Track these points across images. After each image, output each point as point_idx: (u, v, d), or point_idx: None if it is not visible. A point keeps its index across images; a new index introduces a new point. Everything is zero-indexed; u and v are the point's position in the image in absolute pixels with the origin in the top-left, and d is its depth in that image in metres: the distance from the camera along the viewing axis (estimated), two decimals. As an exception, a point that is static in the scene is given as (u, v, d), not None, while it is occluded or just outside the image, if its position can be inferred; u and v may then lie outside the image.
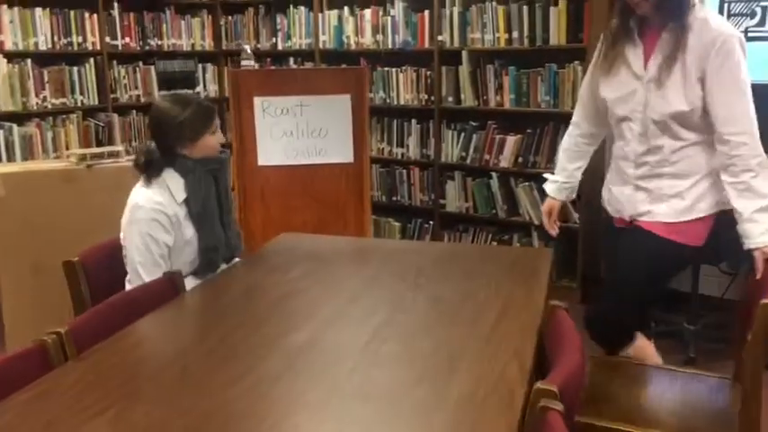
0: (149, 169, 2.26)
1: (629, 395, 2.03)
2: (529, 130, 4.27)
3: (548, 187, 2.61)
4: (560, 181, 2.58)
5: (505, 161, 4.36)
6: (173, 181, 2.26)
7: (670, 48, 2.12)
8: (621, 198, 2.33)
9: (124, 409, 1.36)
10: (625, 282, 2.26)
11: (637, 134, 2.24)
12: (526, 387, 1.46)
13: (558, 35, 4.05)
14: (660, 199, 2.23)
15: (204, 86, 5.56)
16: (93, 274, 2.21)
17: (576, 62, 4.01)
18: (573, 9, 3.98)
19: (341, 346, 1.70)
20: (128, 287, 2.27)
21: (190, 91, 5.39)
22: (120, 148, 3.50)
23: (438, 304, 1.97)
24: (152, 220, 2.19)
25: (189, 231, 2.27)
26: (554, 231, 2.60)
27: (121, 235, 2.26)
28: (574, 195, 2.65)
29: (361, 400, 1.43)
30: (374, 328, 1.79)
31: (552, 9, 4.03)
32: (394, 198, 4.88)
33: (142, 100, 5.12)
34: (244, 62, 3.84)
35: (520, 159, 4.31)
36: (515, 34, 4.19)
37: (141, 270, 2.18)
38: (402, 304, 1.96)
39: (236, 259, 2.47)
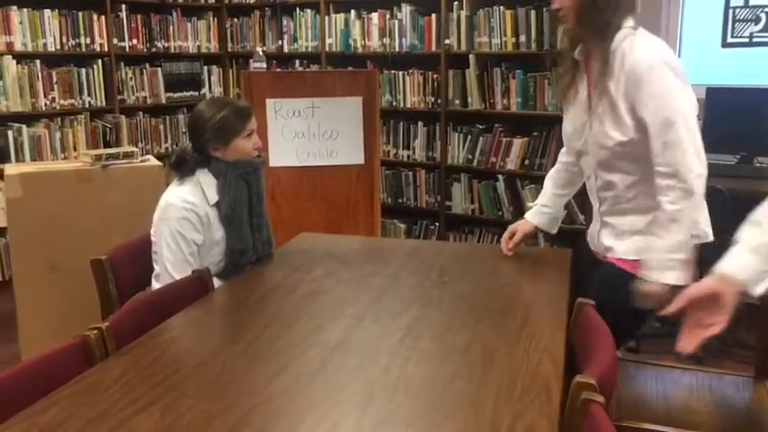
0: (181, 168, 2.28)
1: (656, 395, 2.06)
2: (535, 134, 4.31)
3: (527, 213, 2.46)
4: (540, 204, 2.40)
5: (512, 164, 4.40)
6: (207, 182, 2.28)
7: (597, 76, 1.98)
8: (593, 233, 2.22)
9: (170, 403, 1.39)
10: (602, 314, 1.91)
11: (593, 169, 2.12)
12: (562, 382, 1.49)
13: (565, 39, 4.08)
14: (622, 235, 2.08)
15: (210, 88, 5.58)
16: (119, 272, 2.23)
17: (584, 66, 4.05)
18: (580, 13, 4.02)
19: (374, 342, 1.73)
20: (154, 284, 2.29)
21: (196, 93, 5.42)
22: (134, 149, 3.52)
23: (465, 301, 2.00)
24: (183, 218, 2.21)
25: (219, 233, 2.29)
26: (508, 252, 2.39)
27: (152, 231, 2.28)
28: (554, 230, 2.43)
29: (401, 395, 1.45)
30: (406, 325, 1.82)
31: (560, 13, 4.07)
32: (400, 200, 4.91)
33: (149, 101, 5.14)
34: (255, 64, 3.87)
35: (526, 162, 4.35)
36: (523, 38, 4.23)
37: (170, 267, 2.21)
38: (430, 302, 1.99)
39: None
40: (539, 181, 4.33)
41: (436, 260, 2.38)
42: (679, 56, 4.19)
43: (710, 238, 2.01)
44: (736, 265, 1.42)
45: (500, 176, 4.46)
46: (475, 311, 1.92)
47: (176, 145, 5.33)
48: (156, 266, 2.28)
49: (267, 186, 3.74)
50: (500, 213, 4.51)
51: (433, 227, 4.81)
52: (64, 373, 1.50)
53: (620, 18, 1.96)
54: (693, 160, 1.88)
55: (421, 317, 1.88)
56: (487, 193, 4.54)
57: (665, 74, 1.88)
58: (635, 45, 1.93)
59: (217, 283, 2.25)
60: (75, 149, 4.62)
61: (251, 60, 3.96)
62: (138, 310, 1.84)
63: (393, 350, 1.67)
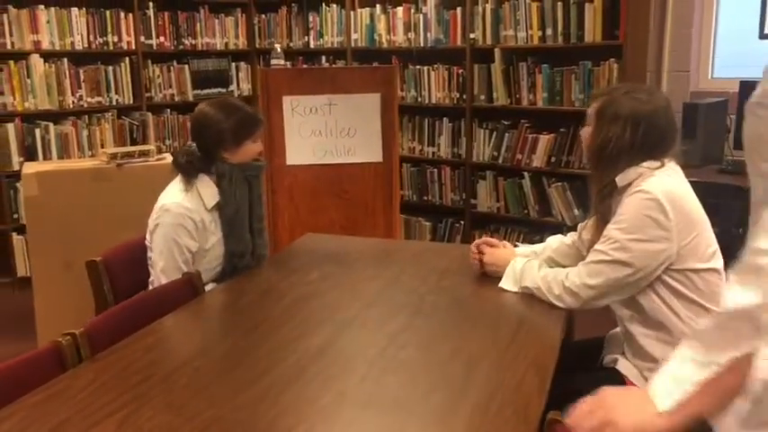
0: (188, 170, 2.26)
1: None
2: (562, 130, 4.18)
3: (521, 248, 2.26)
4: (532, 250, 2.23)
5: (538, 160, 4.28)
6: (205, 187, 2.25)
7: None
8: None
9: (132, 414, 1.35)
10: None
11: None
12: (546, 396, 1.41)
13: (593, 32, 3.95)
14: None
15: (237, 85, 5.58)
16: (116, 274, 2.22)
17: (612, 59, 3.91)
18: (609, 5, 3.88)
19: (356, 351, 1.67)
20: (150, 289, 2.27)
21: (223, 90, 5.43)
22: (150, 147, 3.52)
23: (459, 308, 1.92)
24: (178, 224, 2.18)
25: (213, 238, 2.26)
26: (476, 264, 2.18)
27: (147, 236, 2.26)
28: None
29: (371, 409, 1.39)
30: (391, 333, 1.75)
31: (587, 5, 3.94)
32: (425, 197, 4.83)
33: (176, 99, 5.16)
34: (273, 61, 3.84)
35: (553, 159, 4.22)
36: (549, 31, 4.10)
37: (161, 275, 2.18)
38: (422, 308, 1.92)
39: None
40: (565, 179, 4.23)
41: (439, 263, 2.31)
42: (714, 49, 4.02)
43: None
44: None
45: (526, 174, 4.34)
46: (467, 319, 1.85)
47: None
48: (151, 272, 2.26)
49: (284, 185, 3.76)
50: (525, 212, 4.40)
51: (458, 225, 4.72)
52: (34, 380, 1.48)
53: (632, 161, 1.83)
54: None
55: (410, 324, 1.81)
56: (513, 190, 4.43)
57: (650, 210, 1.75)
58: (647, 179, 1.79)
59: (210, 286, 2.22)
60: (102, 147, 4.67)
61: (269, 57, 3.93)
62: (121, 314, 1.82)
63: (373, 360, 1.60)
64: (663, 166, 1.83)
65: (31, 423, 1.33)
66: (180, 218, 2.19)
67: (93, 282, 2.18)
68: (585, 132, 1.94)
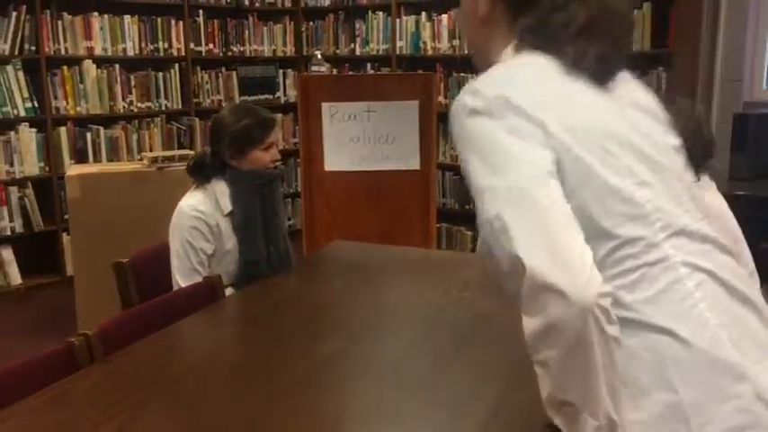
0: (197, 174, 2.28)
1: None
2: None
3: None
4: None
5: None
6: (221, 190, 2.27)
7: None
8: None
9: (132, 418, 1.36)
10: None
11: None
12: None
13: (641, 39, 3.85)
14: None
15: (284, 91, 5.64)
16: (142, 275, 2.25)
17: (661, 68, 3.80)
18: (658, 11, 3.77)
19: (366, 362, 1.64)
20: None
21: (270, 96, 5.49)
22: (190, 151, 3.58)
23: (479, 321, 1.87)
24: (192, 227, 2.21)
25: (230, 243, 2.27)
26: None
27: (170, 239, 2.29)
28: None
29: (372, 422, 1.36)
30: (404, 346, 1.72)
31: (636, 12, 3.83)
32: (466, 206, 4.77)
33: (224, 104, 5.24)
34: (314, 68, 3.85)
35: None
36: (596, 39, 3.99)
37: (178, 276, 2.21)
38: (441, 320, 1.88)
39: None
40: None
41: (465, 272, 2.26)
42: (770, 56, 3.85)
43: None
44: None
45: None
46: (486, 334, 1.79)
47: (250, 147, 5.41)
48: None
49: (322, 191, 3.76)
50: (569, 223, 4.29)
51: (500, 235, 4.64)
52: (46, 378, 1.50)
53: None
54: None
55: (425, 337, 1.77)
56: (556, 201, 4.33)
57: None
58: None
59: (229, 291, 2.22)
60: (151, 151, 4.78)
61: (311, 64, 3.95)
62: (137, 316, 1.83)
63: (381, 372, 1.57)
64: (698, 180, 1.75)
65: (35, 423, 1.34)
66: (193, 221, 2.21)
67: (120, 283, 2.21)
68: None
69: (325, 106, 3.65)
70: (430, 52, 4.81)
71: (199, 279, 2.18)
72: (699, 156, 1.78)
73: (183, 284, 2.18)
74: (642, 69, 3.88)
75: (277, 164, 2.35)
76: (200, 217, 2.22)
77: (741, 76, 3.82)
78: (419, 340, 1.75)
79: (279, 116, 5.56)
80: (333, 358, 1.65)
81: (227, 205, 2.26)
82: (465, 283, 2.17)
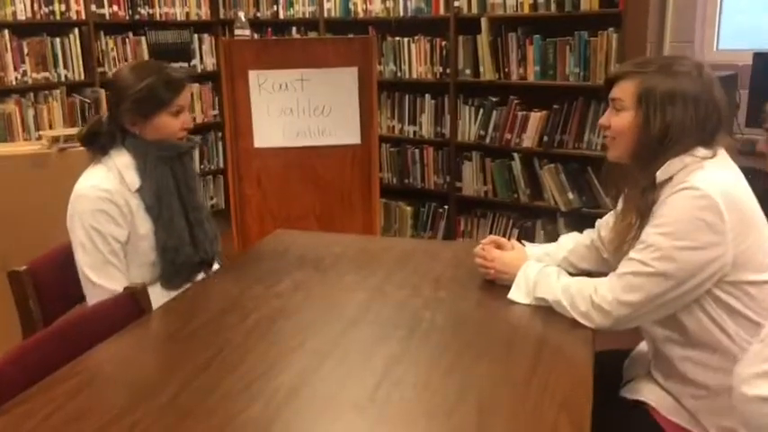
0: (92, 145, 1.91)
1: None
2: (555, 106, 3.85)
3: (531, 248, 1.90)
4: (544, 251, 1.88)
5: (528, 140, 3.95)
6: (124, 163, 1.89)
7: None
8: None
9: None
10: None
11: None
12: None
13: (590, -1, 3.61)
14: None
15: (201, 59, 5.15)
16: (45, 285, 1.84)
17: (611, 29, 3.58)
18: (607, -30, 3.54)
19: (338, 391, 1.32)
20: (89, 299, 1.89)
21: (185, 64, 4.99)
22: (98, 128, 3.11)
23: (462, 328, 1.58)
24: (97, 210, 1.82)
25: (145, 225, 1.91)
26: (486, 273, 1.82)
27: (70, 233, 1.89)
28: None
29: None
30: (382, 366, 1.41)
31: (584, -30, 3.59)
32: (406, 180, 4.48)
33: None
34: (238, 31, 3.44)
35: (545, 138, 3.89)
36: (541, -2, 3.75)
37: (89, 272, 1.83)
38: (418, 329, 1.57)
39: (216, 266, 2.10)
40: (559, 160, 3.90)
41: (433, 266, 1.96)
42: (719, 19, 3.69)
43: None
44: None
45: (515, 155, 4.01)
46: (474, 343, 1.50)
47: (165, 121, 4.92)
48: (80, 275, 1.89)
49: (252, 171, 3.38)
50: (515, 196, 4.07)
51: (441, 210, 4.38)
52: None
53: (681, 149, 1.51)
54: None
55: (403, 352, 1.47)
56: (502, 173, 4.09)
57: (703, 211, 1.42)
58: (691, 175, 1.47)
59: (160, 294, 1.86)
60: (51, 128, 4.24)
61: (235, 27, 3.52)
62: (42, 345, 1.45)
63: (360, 403, 1.26)
64: (715, 155, 1.50)
65: None
66: (98, 202, 1.83)
67: (17, 297, 1.80)
68: (623, 120, 1.57)
69: (252, 74, 3.25)
70: (361, 15, 4.44)
71: (116, 273, 1.83)
72: (713, 126, 1.53)
73: (97, 281, 1.82)
74: (591, 31, 3.65)
75: (187, 133, 1.98)
76: (105, 197, 1.83)
77: (692, 38, 3.65)
78: (397, 356, 1.45)
79: (196, 86, 5.09)
80: (295, 389, 1.32)
81: (134, 180, 1.89)
82: (436, 278, 1.88)
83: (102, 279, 1.83)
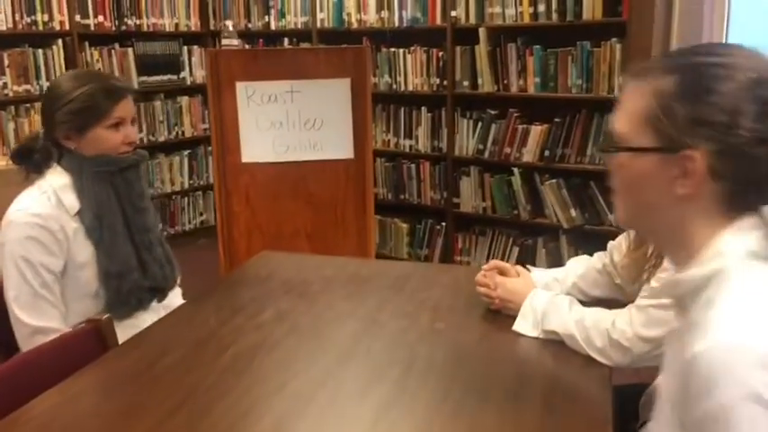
0: (25, 162, 1.73)
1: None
2: (557, 119, 3.70)
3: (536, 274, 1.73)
4: (554, 277, 1.71)
5: (529, 154, 3.79)
6: (61, 183, 1.71)
7: None
8: None
9: None
10: None
11: None
12: None
13: (592, 8, 3.47)
14: None
15: (190, 71, 5.00)
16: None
17: (614, 39, 3.44)
18: (611, -23, 3.40)
19: (323, 445, 1.15)
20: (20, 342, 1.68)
21: (174, 77, 4.85)
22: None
23: (463, 367, 1.41)
24: (26, 238, 1.64)
25: (85, 251, 1.72)
26: (490, 302, 1.65)
27: None
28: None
29: None
30: (373, 412, 1.24)
31: (586, -23, 3.45)
32: (401, 196, 4.32)
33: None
34: (225, 41, 3.30)
35: (546, 153, 3.73)
36: (542, 7, 3.61)
37: (17, 308, 1.64)
38: (414, 367, 1.40)
39: (178, 300, 1.92)
40: (560, 175, 3.75)
41: (430, 293, 1.80)
42: (727, 27, 3.55)
43: None
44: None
45: (515, 169, 3.85)
46: (478, 383, 1.33)
47: (152, 136, 4.77)
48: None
49: (239, 187, 3.22)
50: (515, 212, 3.91)
51: (438, 227, 4.22)
52: None
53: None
54: None
55: (399, 394, 1.30)
56: (501, 188, 3.94)
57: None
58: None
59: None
60: (32, 142, 4.07)
61: (222, 37, 3.37)
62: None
63: (348, 465, 1.09)
64: None
65: None
66: (27, 229, 1.64)
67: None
68: None
69: (240, 86, 3.10)
70: (355, 25, 4.30)
71: (48, 308, 1.65)
72: None
73: (25, 319, 1.63)
74: (593, 41, 3.51)
75: (133, 148, 1.78)
76: (35, 222, 1.64)
77: (699, 48, 3.52)
78: (392, 400, 1.28)
79: (185, 99, 4.94)
80: (275, 443, 1.15)
81: (72, 202, 1.71)
82: (433, 307, 1.71)
83: (30, 316, 1.64)
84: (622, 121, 0.95)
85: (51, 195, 1.69)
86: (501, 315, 1.63)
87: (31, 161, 1.73)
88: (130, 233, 1.77)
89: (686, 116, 0.89)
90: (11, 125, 4.06)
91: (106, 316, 1.55)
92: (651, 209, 0.94)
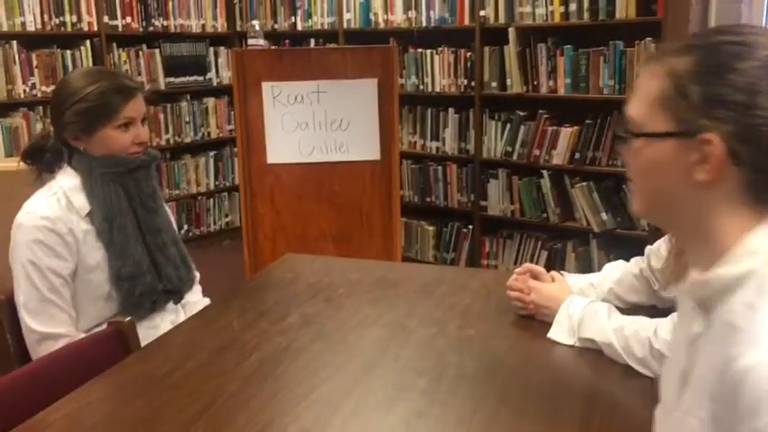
0: (37, 162, 1.70)
1: None
2: (588, 121, 3.61)
3: (571, 279, 1.66)
4: (589, 282, 1.64)
5: (559, 157, 3.71)
6: (73, 186, 1.67)
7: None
8: None
9: None
10: None
11: None
12: None
13: (626, 7, 3.39)
14: None
15: (217, 72, 5.00)
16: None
17: (648, 39, 3.35)
18: (645, -25, 3.32)
19: (349, 458, 1.10)
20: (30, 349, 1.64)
21: (201, 78, 4.84)
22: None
23: (496, 376, 1.35)
24: (35, 241, 1.60)
25: (96, 254, 1.68)
26: (522, 308, 1.60)
27: None
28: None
29: None
30: (402, 424, 1.18)
31: (619, -25, 3.37)
32: (428, 199, 4.26)
33: (146, 88, 4.55)
34: (251, 41, 3.26)
35: (576, 155, 3.65)
36: (573, 6, 3.53)
37: (25, 314, 1.60)
38: (445, 376, 1.35)
39: (197, 297, 1.89)
40: (591, 178, 3.67)
41: (460, 298, 1.73)
42: (765, 24, 3.45)
43: None
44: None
45: (545, 172, 3.77)
46: (510, 397, 1.27)
47: (178, 137, 4.77)
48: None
49: (265, 188, 3.19)
50: (544, 216, 3.83)
51: (465, 230, 4.15)
52: None
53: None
54: None
55: (427, 408, 1.24)
56: (530, 191, 3.86)
57: None
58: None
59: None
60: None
61: (248, 37, 3.34)
62: (17, 385, 1.24)
63: (376, 480, 1.04)
64: None
65: None
66: (35, 232, 1.60)
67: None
68: None
69: (266, 86, 3.07)
70: (382, 25, 4.25)
71: (57, 313, 1.61)
72: None
73: (34, 326, 1.59)
74: (626, 41, 3.43)
75: (143, 148, 1.73)
76: (43, 225, 1.60)
77: (736, 48, 3.41)
78: (420, 412, 1.22)
79: (212, 99, 4.93)
80: (299, 454, 1.10)
81: (83, 204, 1.66)
82: (463, 313, 1.65)
83: (38, 323, 1.60)
84: (636, 106, 0.89)
85: (61, 197, 1.65)
86: (533, 322, 1.56)
87: (42, 161, 1.70)
88: (142, 234, 1.73)
89: (702, 96, 0.82)
90: (39, 125, 4.08)
91: (128, 318, 1.52)
92: (670, 197, 0.87)
